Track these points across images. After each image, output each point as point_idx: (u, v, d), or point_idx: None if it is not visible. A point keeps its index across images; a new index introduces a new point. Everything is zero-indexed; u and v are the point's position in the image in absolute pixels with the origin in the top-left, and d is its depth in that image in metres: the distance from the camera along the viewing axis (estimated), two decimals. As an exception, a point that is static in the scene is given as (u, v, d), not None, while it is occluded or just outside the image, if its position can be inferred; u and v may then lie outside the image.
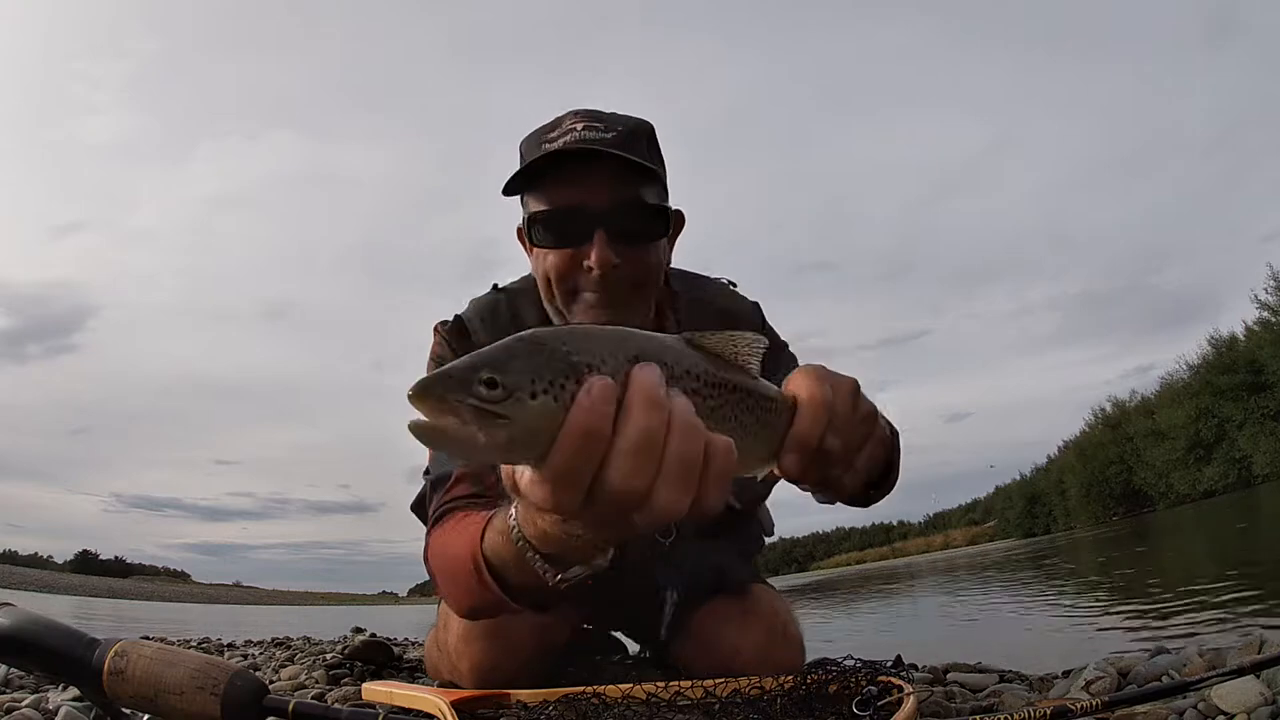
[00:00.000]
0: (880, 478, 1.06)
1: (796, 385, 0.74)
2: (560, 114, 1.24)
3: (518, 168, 1.20)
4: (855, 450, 0.78)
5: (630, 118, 1.24)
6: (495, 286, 1.42)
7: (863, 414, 0.79)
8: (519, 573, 0.79)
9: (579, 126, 1.18)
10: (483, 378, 0.50)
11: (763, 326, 1.46)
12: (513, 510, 0.74)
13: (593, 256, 1.14)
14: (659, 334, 0.62)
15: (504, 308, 1.36)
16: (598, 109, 1.24)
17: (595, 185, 1.16)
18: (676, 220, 1.34)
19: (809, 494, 1.36)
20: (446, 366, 0.52)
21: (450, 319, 1.37)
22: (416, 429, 0.51)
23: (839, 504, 1.29)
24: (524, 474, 0.56)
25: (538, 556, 0.72)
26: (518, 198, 1.27)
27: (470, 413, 0.50)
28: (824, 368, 0.79)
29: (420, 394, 0.50)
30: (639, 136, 1.22)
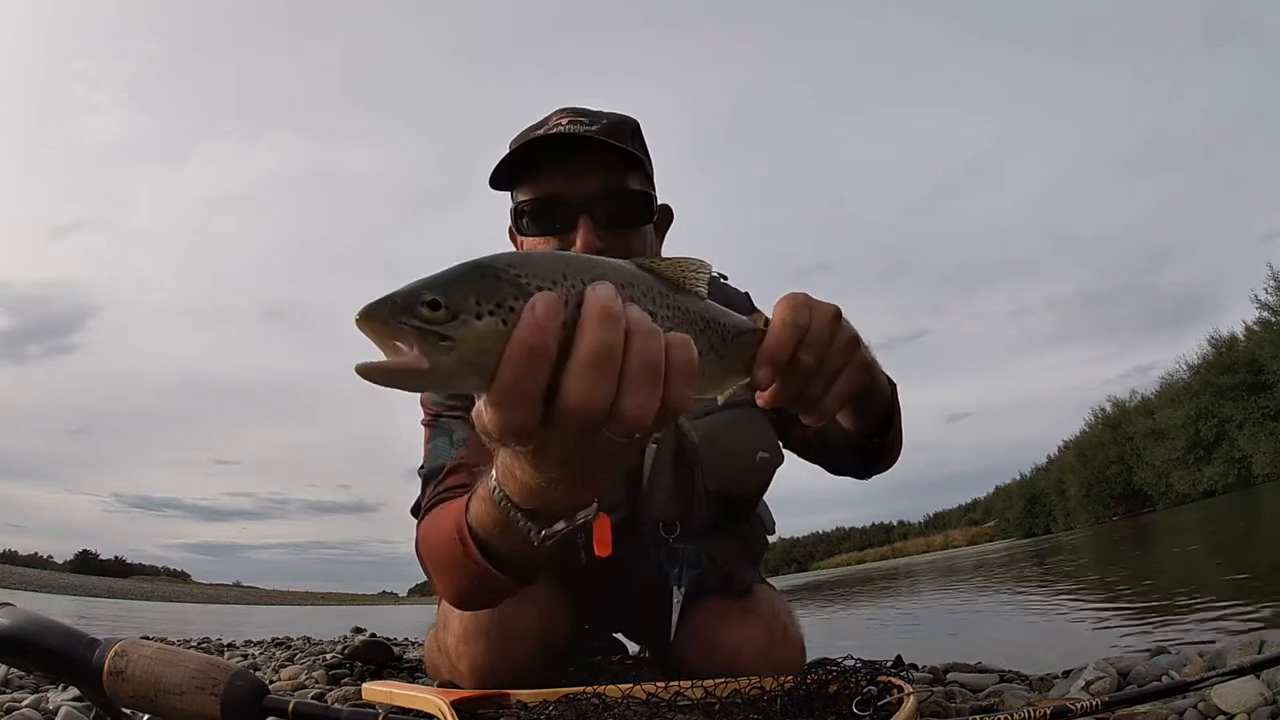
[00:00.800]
0: (879, 428, 1.08)
1: (774, 310, 0.77)
2: (549, 112, 1.26)
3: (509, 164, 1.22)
4: (834, 371, 0.79)
5: (615, 113, 1.27)
6: None
7: (843, 338, 0.79)
8: (504, 538, 0.78)
9: (564, 121, 1.21)
10: (424, 299, 0.49)
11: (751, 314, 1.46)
12: (493, 472, 0.73)
13: (578, 243, 1.16)
14: (610, 259, 0.61)
15: None
16: (586, 107, 1.27)
17: (579, 174, 1.18)
18: (664, 214, 1.35)
19: (825, 466, 1.38)
20: (391, 291, 0.51)
21: None
22: (363, 370, 0.50)
23: (854, 477, 1.33)
24: (478, 406, 0.56)
25: (520, 514, 0.71)
26: (509, 197, 1.28)
27: (414, 335, 0.49)
28: (805, 294, 0.80)
29: (365, 317, 0.49)
30: (623, 129, 1.25)
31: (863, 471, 1.30)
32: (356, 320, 0.50)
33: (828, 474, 1.38)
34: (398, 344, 0.50)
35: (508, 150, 1.26)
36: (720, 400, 0.77)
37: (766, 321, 0.77)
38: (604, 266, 0.59)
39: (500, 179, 1.24)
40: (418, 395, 1.32)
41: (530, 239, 1.23)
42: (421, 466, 1.28)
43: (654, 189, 1.29)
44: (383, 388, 0.51)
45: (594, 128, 1.19)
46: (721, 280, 1.50)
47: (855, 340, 0.82)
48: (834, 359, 0.79)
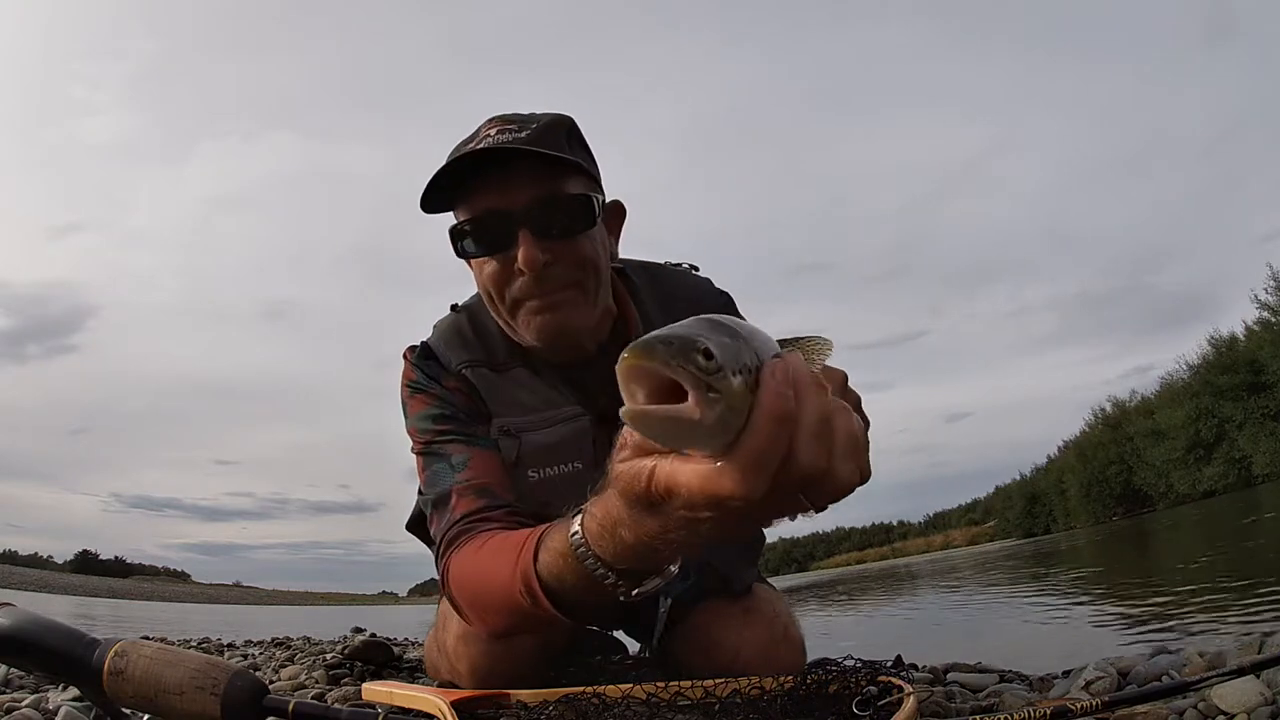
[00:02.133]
0: None
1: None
2: (480, 123, 1.21)
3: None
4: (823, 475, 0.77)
5: (548, 114, 1.21)
6: (453, 307, 1.39)
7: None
8: (582, 590, 0.78)
9: (493, 132, 1.15)
10: (700, 346, 0.48)
11: (727, 306, 1.41)
12: (576, 528, 0.73)
13: (520, 257, 1.11)
14: (763, 331, 0.60)
15: (467, 326, 1.33)
16: (517, 111, 1.21)
17: (513, 186, 1.13)
18: (615, 210, 1.30)
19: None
20: (658, 332, 0.50)
21: (419, 345, 1.35)
22: (633, 415, 0.49)
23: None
24: (688, 469, 0.55)
25: (611, 573, 0.71)
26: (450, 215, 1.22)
27: (691, 381, 0.48)
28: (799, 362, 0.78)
29: (644, 353, 0.48)
30: (556, 131, 1.18)
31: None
32: (629, 357, 0.48)
33: None
34: (680, 384, 0.48)
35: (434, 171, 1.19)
36: None
37: None
38: (769, 339, 0.59)
39: (434, 202, 1.17)
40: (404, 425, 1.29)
41: (475, 260, 1.19)
42: (422, 492, 1.26)
43: (599, 189, 1.24)
44: (648, 435, 0.52)
45: (523, 134, 1.13)
46: (693, 273, 1.48)
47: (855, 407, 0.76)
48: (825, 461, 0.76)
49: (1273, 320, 33.02)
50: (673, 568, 0.71)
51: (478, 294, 1.34)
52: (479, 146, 1.13)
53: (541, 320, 1.16)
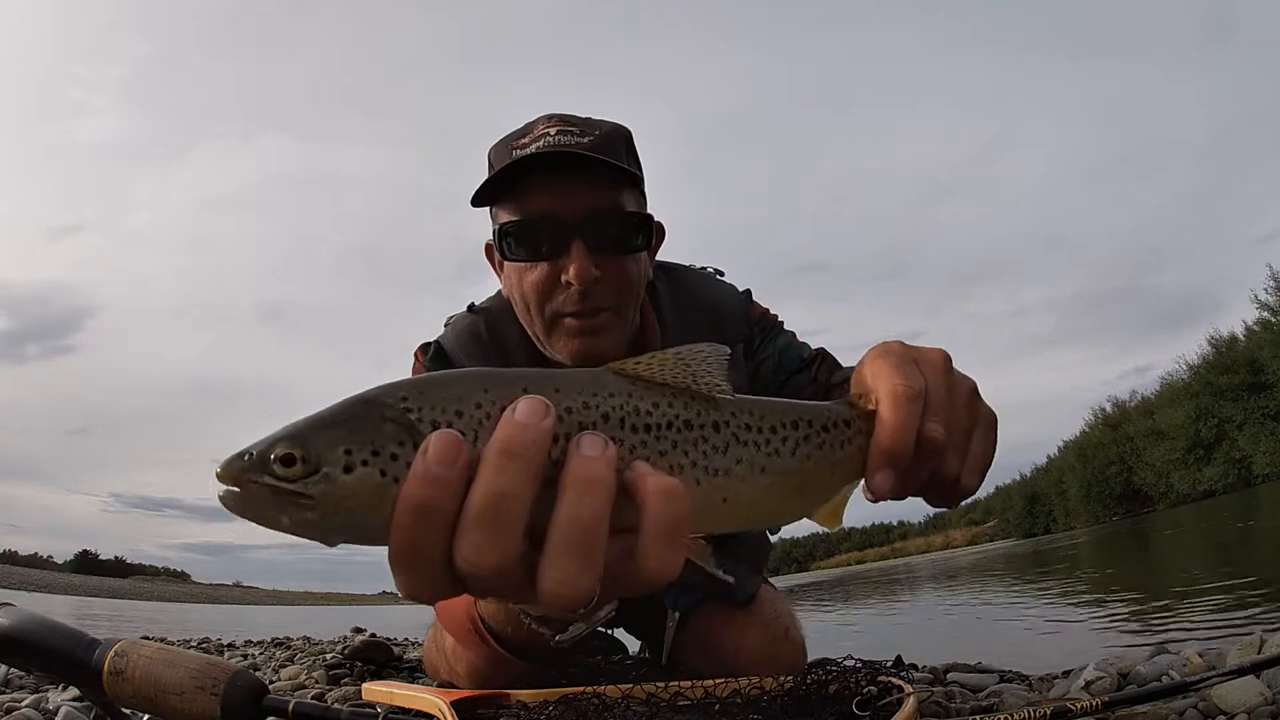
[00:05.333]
0: None
1: (874, 379, 0.59)
2: (533, 118, 1.16)
3: (486, 177, 1.12)
4: (965, 436, 0.61)
5: (606, 121, 1.17)
6: (471, 307, 1.35)
7: (964, 391, 0.62)
8: (518, 635, 0.73)
9: (552, 131, 1.10)
10: (278, 453, 0.42)
11: (747, 314, 1.40)
12: None
13: (571, 270, 1.06)
14: (571, 370, 0.51)
15: (484, 330, 1.29)
16: (573, 113, 1.16)
17: (570, 193, 1.07)
18: (657, 231, 1.26)
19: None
20: (253, 442, 0.44)
21: (431, 344, 1.31)
22: (225, 499, 0.44)
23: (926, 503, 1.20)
24: None
25: (530, 619, 0.63)
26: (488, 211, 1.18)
27: (268, 494, 0.42)
28: (903, 344, 0.63)
29: (220, 473, 0.44)
30: (616, 141, 1.14)
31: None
32: (216, 474, 0.44)
33: None
34: (256, 500, 0.43)
35: (489, 163, 1.16)
36: (831, 520, 0.59)
37: (861, 395, 0.59)
38: (556, 382, 0.46)
39: (482, 194, 1.13)
40: None
41: (516, 264, 1.13)
42: None
43: (647, 206, 1.20)
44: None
45: (585, 139, 1.09)
46: (717, 277, 1.47)
47: (976, 390, 0.64)
48: (961, 420, 0.60)
49: (1273, 320, 33.04)
50: (603, 614, 0.60)
51: (496, 296, 1.31)
52: (539, 146, 1.08)
53: (580, 343, 1.12)
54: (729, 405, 0.51)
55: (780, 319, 1.44)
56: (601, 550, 0.41)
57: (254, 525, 0.44)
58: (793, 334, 1.43)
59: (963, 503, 0.65)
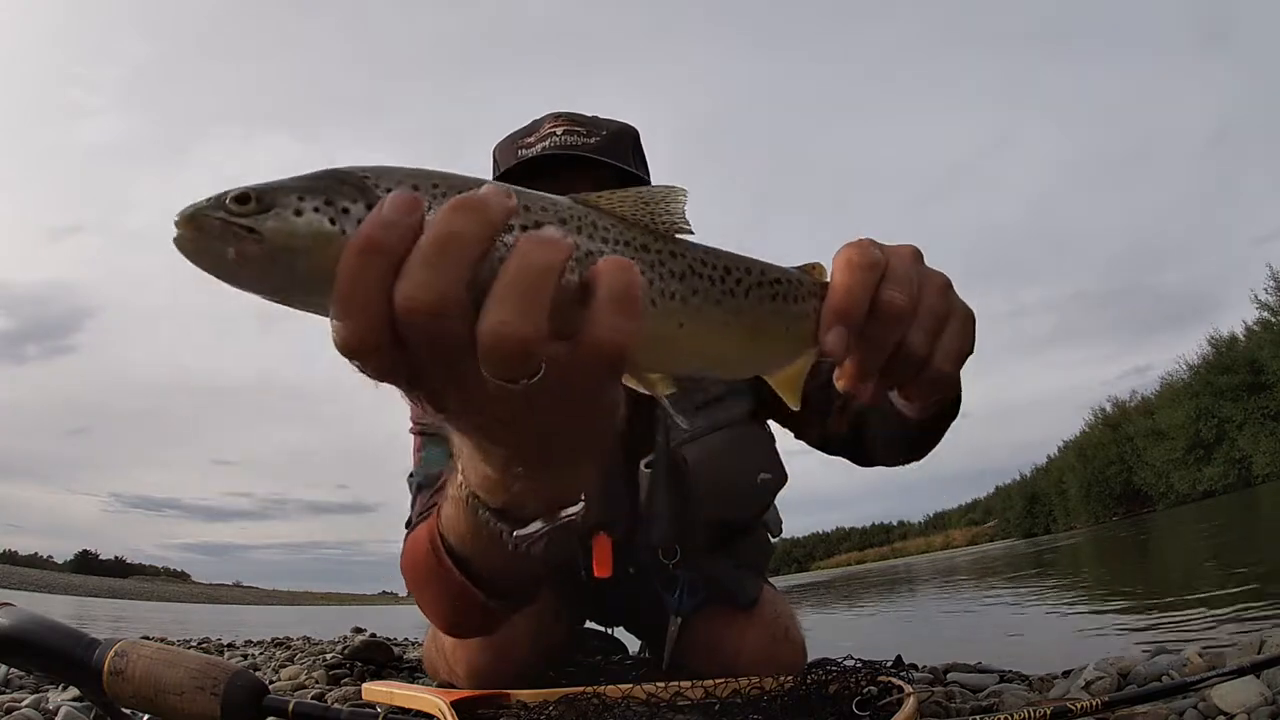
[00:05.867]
0: (946, 408, 0.84)
1: (835, 257, 0.57)
2: (540, 116, 1.16)
3: (492, 175, 1.13)
4: (936, 316, 0.58)
5: (614, 121, 1.17)
6: None
7: (936, 279, 0.60)
8: (477, 545, 0.65)
9: (558, 130, 1.10)
10: (234, 194, 0.44)
11: None
12: (457, 462, 0.59)
13: None
14: (535, 191, 0.49)
15: None
16: (579, 111, 1.16)
17: (577, 194, 1.08)
18: None
19: (853, 456, 1.20)
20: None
21: None
22: (178, 241, 0.44)
23: (887, 465, 1.14)
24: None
25: (488, 513, 0.57)
26: None
27: (219, 227, 0.43)
28: (870, 239, 0.59)
29: (178, 217, 0.44)
30: (623, 141, 1.14)
31: (903, 459, 1.11)
32: (174, 220, 0.44)
33: (828, 475, 1.36)
34: (206, 236, 0.44)
35: (494, 161, 1.16)
36: (789, 391, 0.58)
37: (816, 266, 0.59)
38: (515, 189, 0.46)
39: None
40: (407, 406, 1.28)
41: None
42: (412, 475, 1.21)
43: None
44: (199, 269, 0.45)
45: (592, 140, 1.09)
46: None
47: (949, 284, 0.61)
48: (931, 300, 0.58)
49: (1273, 320, 33.06)
50: (566, 511, 0.56)
51: None
52: (545, 146, 1.07)
53: None
54: (685, 243, 0.52)
55: None
56: (545, 305, 0.40)
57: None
58: None
59: (936, 396, 0.61)
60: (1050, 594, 6.06)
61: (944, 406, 0.84)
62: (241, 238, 0.43)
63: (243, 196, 0.43)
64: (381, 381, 0.45)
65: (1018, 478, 64.23)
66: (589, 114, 1.17)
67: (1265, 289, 33.46)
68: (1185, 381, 37.69)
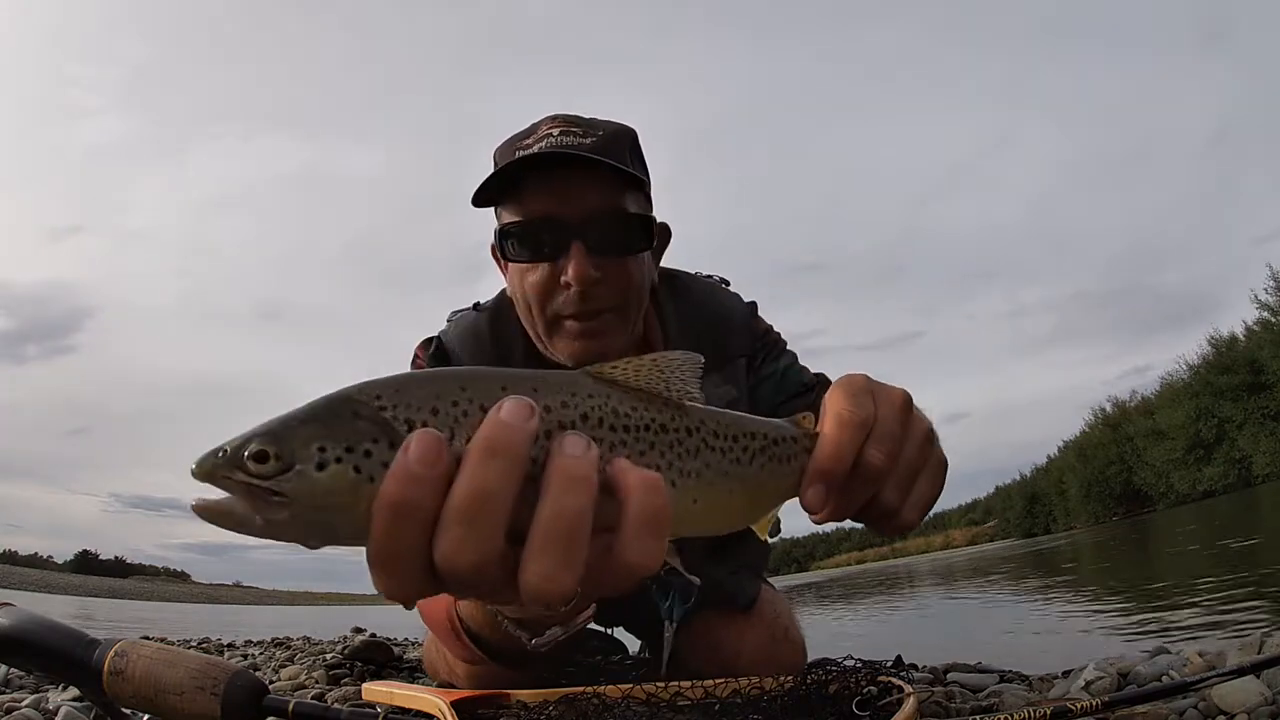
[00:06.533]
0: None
1: (826, 402, 0.62)
2: (537, 119, 1.16)
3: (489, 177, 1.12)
4: (911, 471, 0.63)
5: (612, 122, 1.17)
6: (476, 305, 1.35)
7: (919, 432, 0.64)
8: (495, 637, 0.70)
9: (555, 132, 1.10)
10: (251, 450, 0.41)
11: (752, 326, 1.40)
12: None
13: (570, 271, 1.06)
14: (548, 371, 0.49)
15: (486, 329, 1.28)
16: (577, 114, 1.17)
17: (572, 194, 1.07)
18: (663, 235, 1.26)
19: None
20: (228, 439, 0.43)
21: (433, 339, 1.31)
22: (197, 508, 0.43)
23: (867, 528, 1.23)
24: None
25: (507, 621, 0.61)
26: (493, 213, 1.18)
27: (242, 491, 0.42)
28: (865, 377, 0.64)
29: (195, 469, 0.43)
30: (621, 142, 1.14)
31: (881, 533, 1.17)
32: (191, 472, 0.43)
33: None
34: (228, 498, 0.43)
35: (494, 163, 1.16)
36: (762, 533, 0.62)
37: (815, 420, 0.61)
38: (533, 382, 0.46)
39: (483, 195, 1.12)
40: None
41: (517, 264, 1.13)
42: None
43: (652, 209, 1.20)
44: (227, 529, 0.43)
45: (589, 141, 1.09)
46: (723, 287, 1.46)
47: (931, 434, 0.66)
48: (910, 456, 0.62)
49: (1273, 320, 33.08)
50: (580, 619, 0.59)
51: (501, 294, 1.31)
52: (542, 147, 1.07)
53: (581, 346, 1.12)
54: (698, 413, 0.53)
55: (784, 339, 1.44)
56: (584, 546, 0.41)
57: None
58: (795, 355, 1.43)
59: (910, 529, 0.66)
60: (1050, 594, 6.06)
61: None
62: (266, 502, 0.42)
63: (260, 454, 0.41)
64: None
65: (1018, 478, 64.33)
66: (587, 116, 1.17)
67: (1265, 289, 33.56)
68: (1185, 381, 37.72)
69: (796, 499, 0.60)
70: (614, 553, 0.42)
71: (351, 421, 0.42)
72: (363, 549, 0.43)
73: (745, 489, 0.56)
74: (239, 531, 0.43)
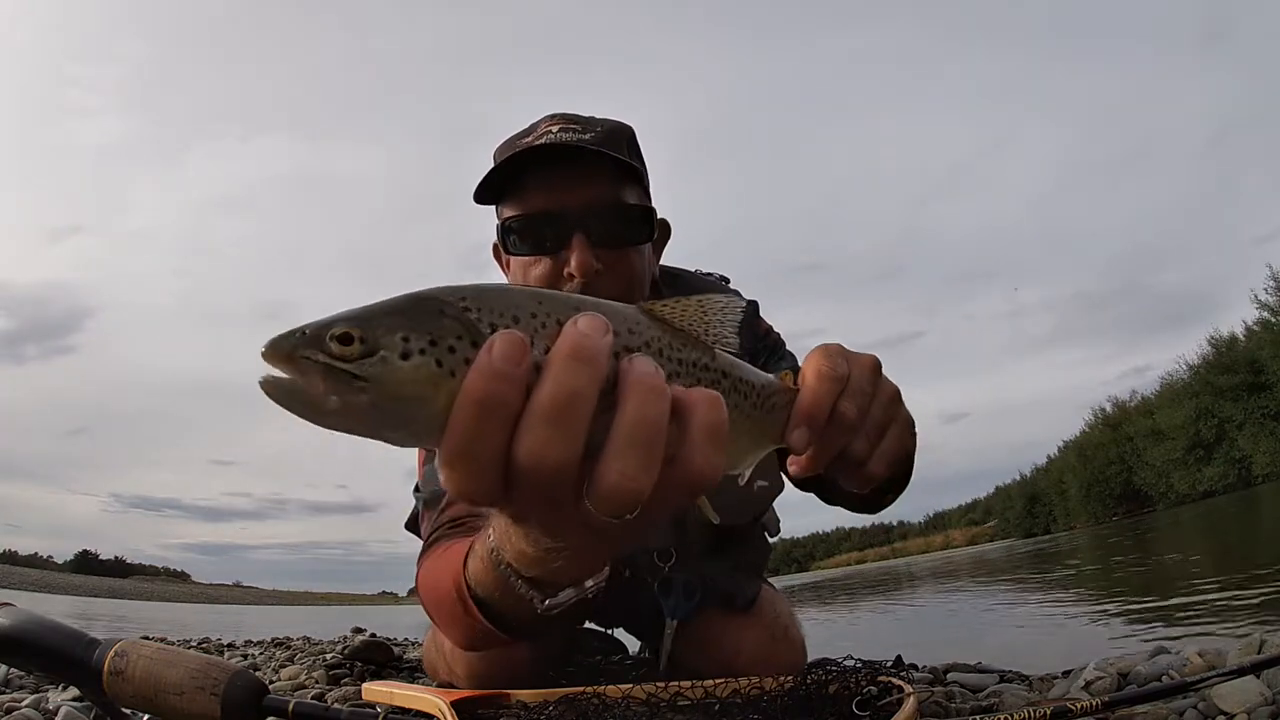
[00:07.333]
0: (893, 485, 0.98)
1: (806, 362, 0.68)
2: (537, 119, 1.18)
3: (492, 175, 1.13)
4: (879, 426, 0.70)
5: (609, 119, 1.19)
6: None
7: (887, 391, 0.71)
8: (505, 601, 0.70)
9: (554, 129, 1.12)
10: (335, 332, 0.41)
11: (754, 325, 1.41)
12: (490, 530, 0.63)
13: (573, 262, 1.07)
14: (609, 301, 0.50)
15: None
16: (576, 112, 1.18)
17: (572, 187, 1.09)
18: (662, 228, 1.27)
19: (819, 494, 1.27)
20: (315, 320, 0.43)
21: None
22: (266, 385, 0.42)
23: (847, 510, 1.19)
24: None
25: (521, 581, 0.62)
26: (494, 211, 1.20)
27: (319, 372, 0.41)
28: (840, 345, 0.71)
29: (270, 349, 0.42)
30: (618, 137, 1.16)
31: (860, 510, 1.19)
32: (261, 354, 0.42)
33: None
34: (304, 380, 0.42)
35: (493, 163, 1.17)
36: (744, 475, 0.66)
37: (795, 378, 0.68)
38: (595, 306, 0.48)
39: (484, 192, 1.14)
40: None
41: (519, 258, 1.14)
42: (417, 489, 1.22)
43: (651, 203, 1.21)
44: (293, 415, 0.42)
45: (587, 136, 1.10)
46: (723, 285, 1.47)
47: (898, 395, 0.73)
48: (878, 413, 0.70)
49: (1273, 320, 33.06)
50: (593, 581, 0.61)
51: None
52: (541, 143, 1.09)
53: None
54: (724, 359, 0.57)
55: (784, 340, 1.45)
56: (661, 451, 0.43)
57: (295, 420, 0.42)
58: (795, 357, 1.43)
59: (867, 488, 0.73)
60: (1050, 594, 6.06)
61: (882, 487, 0.97)
62: (346, 385, 0.41)
63: (345, 336, 0.41)
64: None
65: (1018, 478, 64.27)
66: (585, 114, 1.19)
67: (1265, 289, 33.51)
68: (1185, 381, 37.69)
69: (777, 448, 0.66)
70: (680, 462, 0.45)
71: (437, 318, 0.43)
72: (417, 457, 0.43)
73: (753, 431, 0.61)
74: (305, 415, 0.42)
